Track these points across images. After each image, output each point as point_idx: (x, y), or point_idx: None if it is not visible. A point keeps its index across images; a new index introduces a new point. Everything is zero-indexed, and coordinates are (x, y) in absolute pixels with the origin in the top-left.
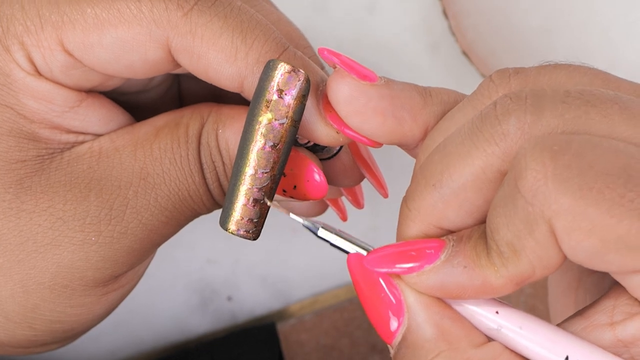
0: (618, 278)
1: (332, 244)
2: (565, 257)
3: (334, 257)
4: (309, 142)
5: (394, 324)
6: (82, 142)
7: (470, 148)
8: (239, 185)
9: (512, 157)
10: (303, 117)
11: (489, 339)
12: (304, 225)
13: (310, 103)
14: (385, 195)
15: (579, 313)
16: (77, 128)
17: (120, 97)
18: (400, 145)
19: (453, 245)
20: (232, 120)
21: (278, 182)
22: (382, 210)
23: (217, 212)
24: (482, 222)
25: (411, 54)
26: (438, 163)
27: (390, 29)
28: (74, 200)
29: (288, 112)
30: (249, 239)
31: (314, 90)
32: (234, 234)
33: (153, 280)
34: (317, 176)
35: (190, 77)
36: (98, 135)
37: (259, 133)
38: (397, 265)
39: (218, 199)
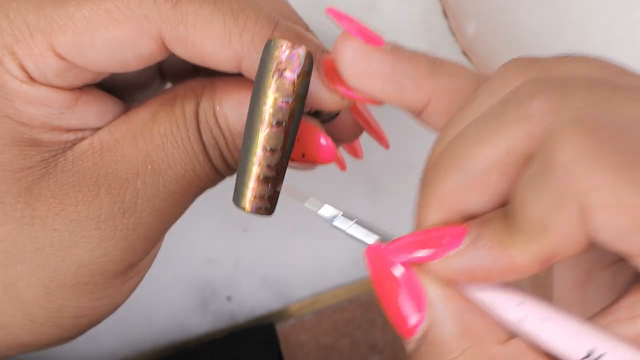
0: (638, 263)
1: (348, 234)
2: (588, 241)
3: (334, 257)
4: (311, 108)
5: (414, 319)
6: (82, 139)
7: (493, 131)
8: (250, 165)
9: (538, 139)
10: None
11: (511, 336)
12: (319, 215)
13: (314, 75)
14: (387, 146)
15: (602, 311)
16: (76, 126)
17: (108, 81)
18: (404, 109)
19: (476, 229)
20: (228, 94)
21: (289, 158)
22: (381, 210)
23: (215, 214)
24: (503, 206)
25: None
26: (460, 147)
27: (389, 29)
28: (85, 200)
29: (293, 89)
30: (264, 215)
31: (314, 60)
32: (249, 213)
33: (153, 280)
34: (324, 141)
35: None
36: (97, 129)
37: (267, 114)
38: (420, 252)
39: (223, 172)
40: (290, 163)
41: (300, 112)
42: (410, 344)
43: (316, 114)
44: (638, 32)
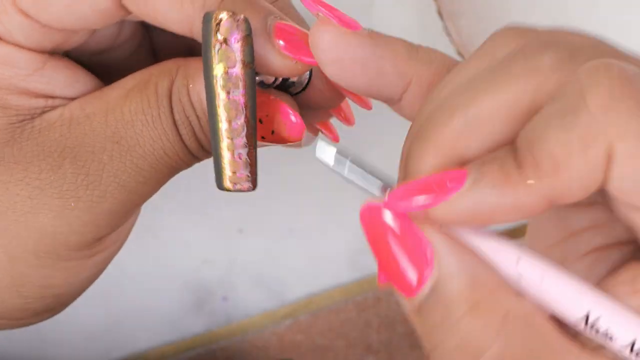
0: None
1: (349, 180)
2: (597, 188)
3: (330, 257)
4: (275, 80)
5: (419, 275)
6: (51, 108)
7: (501, 82)
8: (219, 142)
9: (547, 92)
10: (257, 55)
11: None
12: (327, 165)
13: (261, 39)
14: (369, 107)
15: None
16: (43, 91)
17: (91, 58)
18: (382, 99)
19: (478, 169)
20: (201, 72)
21: (255, 126)
22: None
23: (211, 214)
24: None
25: None
26: (464, 95)
27: (385, 30)
28: (49, 169)
29: (238, 56)
30: (249, 190)
31: (261, 26)
32: (231, 191)
33: (148, 280)
34: (293, 117)
35: (162, 32)
36: (66, 99)
37: (219, 85)
38: (421, 199)
39: (196, 153)
40: (261, 141)
41: (252, 77)
42: (414, 303)
43: (284, 87)
44: (637, 32)
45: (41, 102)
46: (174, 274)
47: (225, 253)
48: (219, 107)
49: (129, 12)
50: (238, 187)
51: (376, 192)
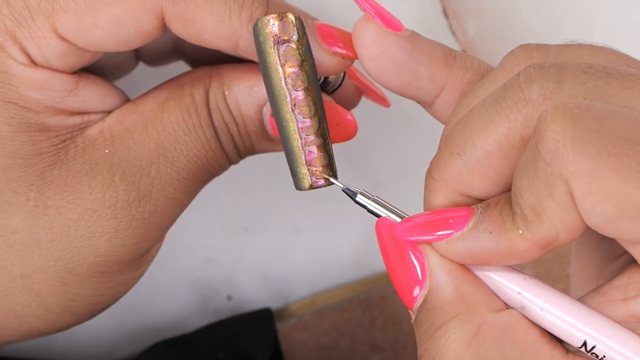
0: (630, 248)
1: (369, 210)
2: (584, 226)
3: (334, 256)
4: (320, 77)
5: (416, 290)
6: (88, 124)
7: (493, 116)
8: (294, 142)
9: (535, 123)
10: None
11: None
12: (343, 190)
13: (310, 39)
14: (388, 105)
15: (595, 290)
16: (78, 109)
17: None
18: (415, 100)
19: (480, 212)
20: (236, 79)
21: (326, 119)
22: None
23: (216, 213)
24: (508, 190)
25: None
26: (461, 132)
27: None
28: (100, 187)
29: (299, 52)
30: (329, 183)
31: (307, 27)
32: (314, 188)
33: (153, 279)
34: (349, 116)
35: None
36: (100, 113)
37: (287, 87)
38: (427, 234)
39: (233, 159)
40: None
41: (315, 72)
42: (413, 315)
43: (322, 87)
44: (638, 32)
45: (77, 120)
46: (179, 272)
47: (230, 251)
48: (288, 108)
49: (166, 29)
50: (321, 183)
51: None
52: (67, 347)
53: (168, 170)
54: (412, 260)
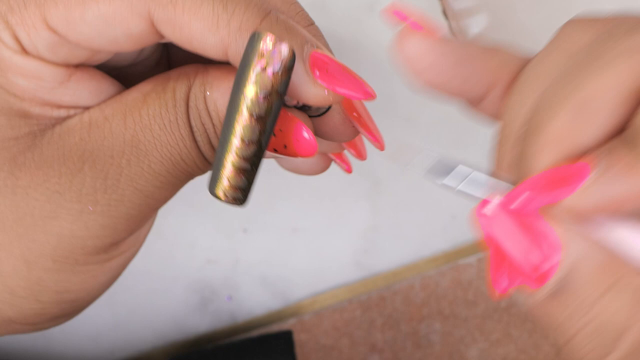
0: None
1: (463, 192)
2: None
3: (334, 257)
4: (298, 102)
5: (547, 264)
6: (73, 116)
7: (603, 65)
8: (226, 154)
9: None
10: (291, 81)
11: None
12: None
13: (298, 67)
14: (382, 148)
15: None
16: (67, 103)
17: (112, 71)
18: (468, 100)
19: (603, 158)
20: (219, 81)
21: (264, 150)
22: (381, 210)
23: (215, 214)
24: (613, 137)
25: None
26: (565, 84)
27: (389, 29)
28: (69, 173)
29: (273, 85)
30: (237, 205)
31: (299, 53)
32: (221, 200)
33: (153, 280)
34: (306, 134)
35: (179, 49)
36: (89, 108)
37: (244, 106)
38: (550, 193)
39: (210, 159)
40: (273, 153)
41: (278, 107)
42: (544, 292)
43: (304, 109)
44: None
45: (63, 112)
46: (179, 273)
47: (229, 252)
48: (237, 123)
49: (161, 37)
50: (229, 199)
51: (489, 195)
52: (68, 347)
53: (139, 162)
54: (539, 235)
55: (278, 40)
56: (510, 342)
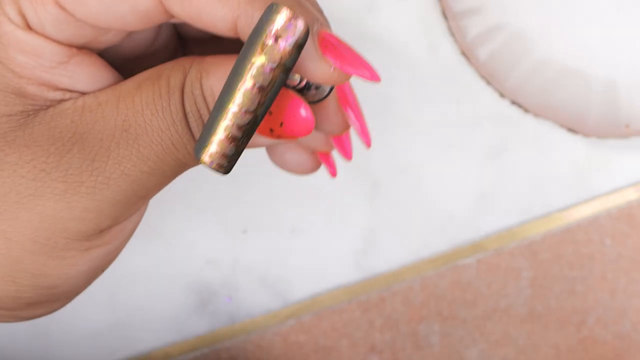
0: None
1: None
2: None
3: (333, 257)
4: (299, 83)
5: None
6: (67, 100)
7: None
8: (220, 119)
9: None
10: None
11: None
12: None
13: (307, 44)
14: (368, 144)
15: None
16: (64, 85)
17: (125, 64)
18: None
19: None
20: (216, 67)
21: (258, 124)
22: (381, 210)
23: (215, 214)
24: None
25: (410, 54)
26: None
27: (388, 29)
28: (57, 153)
29: (282, 58)
30: (220, 173)
31: (311, 31)
32: (205, 165)
33: (152, 280)
34: (304, 111)
35: (194, 45)
36: (85, 94)
37: (250, 74)
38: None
39: None
40: (268, 134)
41: (282, 81)
42: None
43: (302, 92)
44: (638, 32)
45: (59, 95)
46: (178, 274)
47: (229, 253)
48: (238, 90)
49: (169, 16)
50: (214, 166)
51: None
52: (67, 347)
53: (128, 146)
54: None
55: (294, 15)
56: (509, 343)
